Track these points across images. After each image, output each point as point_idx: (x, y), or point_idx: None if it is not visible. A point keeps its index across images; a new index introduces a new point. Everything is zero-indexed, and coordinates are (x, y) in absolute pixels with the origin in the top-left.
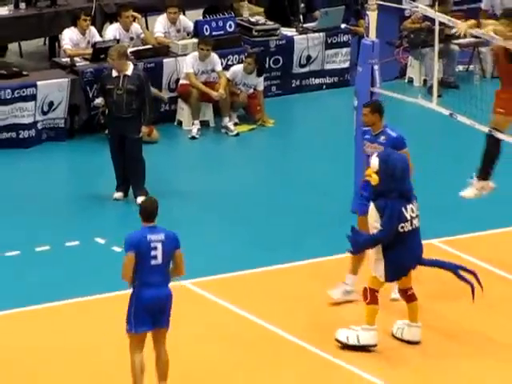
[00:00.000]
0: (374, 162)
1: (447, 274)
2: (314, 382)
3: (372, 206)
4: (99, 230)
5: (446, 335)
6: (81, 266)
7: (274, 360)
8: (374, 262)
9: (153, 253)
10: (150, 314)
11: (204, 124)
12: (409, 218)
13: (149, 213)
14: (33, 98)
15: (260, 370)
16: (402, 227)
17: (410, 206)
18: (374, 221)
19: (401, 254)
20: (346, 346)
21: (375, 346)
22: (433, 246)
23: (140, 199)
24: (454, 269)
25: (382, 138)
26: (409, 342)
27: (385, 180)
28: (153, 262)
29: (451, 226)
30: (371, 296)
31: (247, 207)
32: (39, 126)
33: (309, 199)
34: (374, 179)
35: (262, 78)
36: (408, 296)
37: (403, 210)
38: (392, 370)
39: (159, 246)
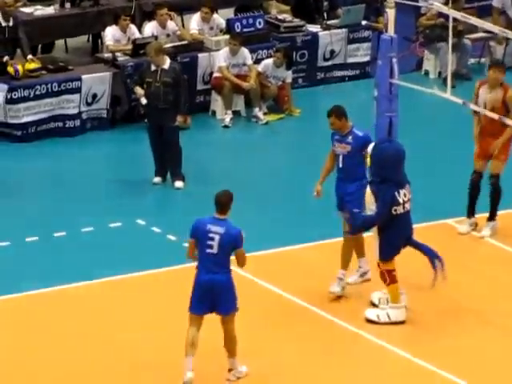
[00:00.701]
0: (370, 146)
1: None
2: (340, 353)
3: (368, 189)
4: (140, 211)
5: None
6: (123, 246)
7: (303, 333)
8: (376, 244)
9: (209, 242)
10: (205, 297)
11: (236, 114)
12: (401, 201)
13: (219, 204)
14: (78, 90)
15: (289, 343)
16: (395, 210)
17: (403, 190)
18: (370, 204)
19: (394, 234)
20: (373, 322)
21: (404, 321)
22: (447, 226)
23: (178, 183)
24: (432, 257)
25: (350, 137)
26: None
27: (375, 167)
28: (208, 251)
29: (465, 207)
30: (389, 276)
31: (277, 189)
32: (84, 116)
33: (333, 181)
34: (368, 162)
35: (290, 71)
36: (392, 276)
37: (396, 194)
38: (417, 344)
39: (216, 237)
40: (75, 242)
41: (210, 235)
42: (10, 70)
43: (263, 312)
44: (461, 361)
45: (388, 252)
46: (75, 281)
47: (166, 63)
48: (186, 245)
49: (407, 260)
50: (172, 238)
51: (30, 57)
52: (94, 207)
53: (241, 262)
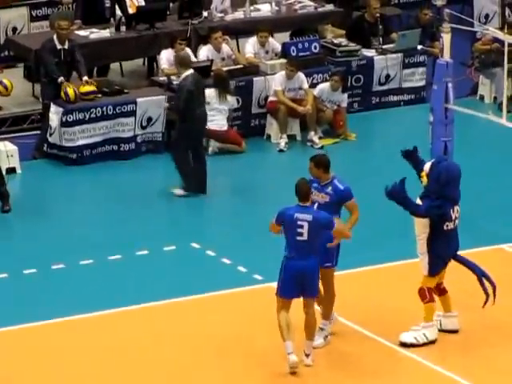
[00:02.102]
0: (427, 165)
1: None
2: (377, 370)
3: (415, 218)
4: (195, 235)
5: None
6: (177, 269)
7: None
8: (420, 258)
9: (299, 230)
10: (296, 282)
11: (291, 138)
12: (453, 218)
13: (301, 193)
14: (133, 113)
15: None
16: (447, 225)
17: (456, 207)
18: (421, 231)
19: (443, 249)
20: (413, 346)
21: (436, 340)
22: (502, 251)
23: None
24: (479, 274)
25: (329, 188)
26: (450, 332)
27: (436, 184)
28: (298, 238)
29: None
30: (429, 295)
31: None
32: (138, 139)
33: (388, 204)
34: (424, 180)
35: (346, 95)
36: (441, 289)
37: (450, 210)
38: (451, 358)
39: (305, 224)
40: (129, 265)
41: (299, 223)
42: (62, 94)
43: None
44: None
45: (436, 266)
46: (128, 304)
47: (182, 76)
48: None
49: (458, 281)
50: (227, 261)
51: (85, 78)
52: (149, 230)
53: (339, 237)
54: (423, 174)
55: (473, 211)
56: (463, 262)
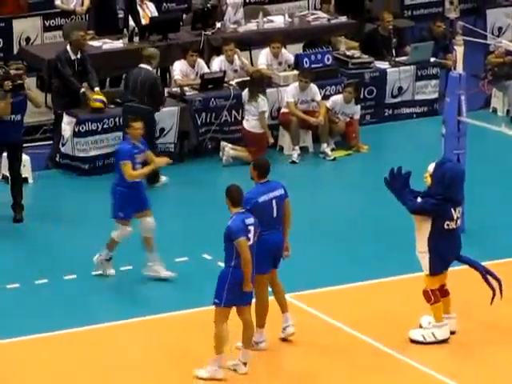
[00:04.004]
0: (431, 166)
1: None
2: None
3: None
4: (207, 245)
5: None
6: (189, 280)
7: (362, 365)
8: (420, 257)
9: (248, 235)
10: (238, 290)
11: (303, 149)
12: (455, 217)
13: (239, 198)
14: None
15: (352, 375)
16: (448, 225)
17: (458, 208)
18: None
19: (445, 248)
20: (419, 343)
21: (448, 339)
22: None
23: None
24: (483, 271)
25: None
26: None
27: (440, 185)
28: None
29: None
30: (434, 295)
31: (343, 225)
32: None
33: (399, 216)
34: (428, 181)
35: (359, 107)
36: (444, 291)
37: (452, 210)
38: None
39: (252, 228)
40: (139, 276)
41: (249, 228)
42: (91, 104)
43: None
44: None
45: (438, 266)
46: (140, 315)
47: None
48: None
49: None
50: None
51: (97, 89)
52: (160, 241)
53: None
54: (427, 174)
55: (485, 224)
56: (467, 261)
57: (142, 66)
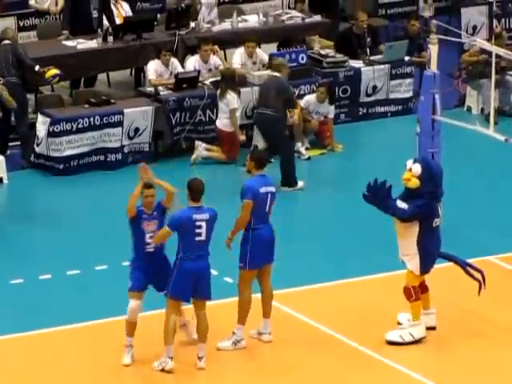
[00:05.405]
0: (417, 167)
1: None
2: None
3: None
4: None
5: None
6: None
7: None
8: (407, 259)
9: (197, 231)
10: (190, 283)
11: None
12: (440, 214)
13: (199, 192)
14: (120, 124)
15: (325, 371)
16: (435, 222)
17: (440, 203)
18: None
19: (433, 245)
20: (398, 344)
21: (425, 337)
22: (490, 263)
23: None
24: (463, 265)
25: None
26: (428, 328)
27: (429, 184)
28: (197, 239)
29: (508, 244)
30: (415, 293)
31: (318, 223)
32: (125, 149)
33: (374, 216)
34: (415, 183)
35: (333, 107)
36: (423, 286)
37: (438, 207)
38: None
39: (203, 224)
40: (116, 276)
41: (198, 224)
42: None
43: (298, 342)
44: None
45: (428, 263)
46: (116, 315)
47: None
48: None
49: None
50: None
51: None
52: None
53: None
54: (409, 175)
55: (459, 222)
56: (445, 256)
57: (273, 73)
